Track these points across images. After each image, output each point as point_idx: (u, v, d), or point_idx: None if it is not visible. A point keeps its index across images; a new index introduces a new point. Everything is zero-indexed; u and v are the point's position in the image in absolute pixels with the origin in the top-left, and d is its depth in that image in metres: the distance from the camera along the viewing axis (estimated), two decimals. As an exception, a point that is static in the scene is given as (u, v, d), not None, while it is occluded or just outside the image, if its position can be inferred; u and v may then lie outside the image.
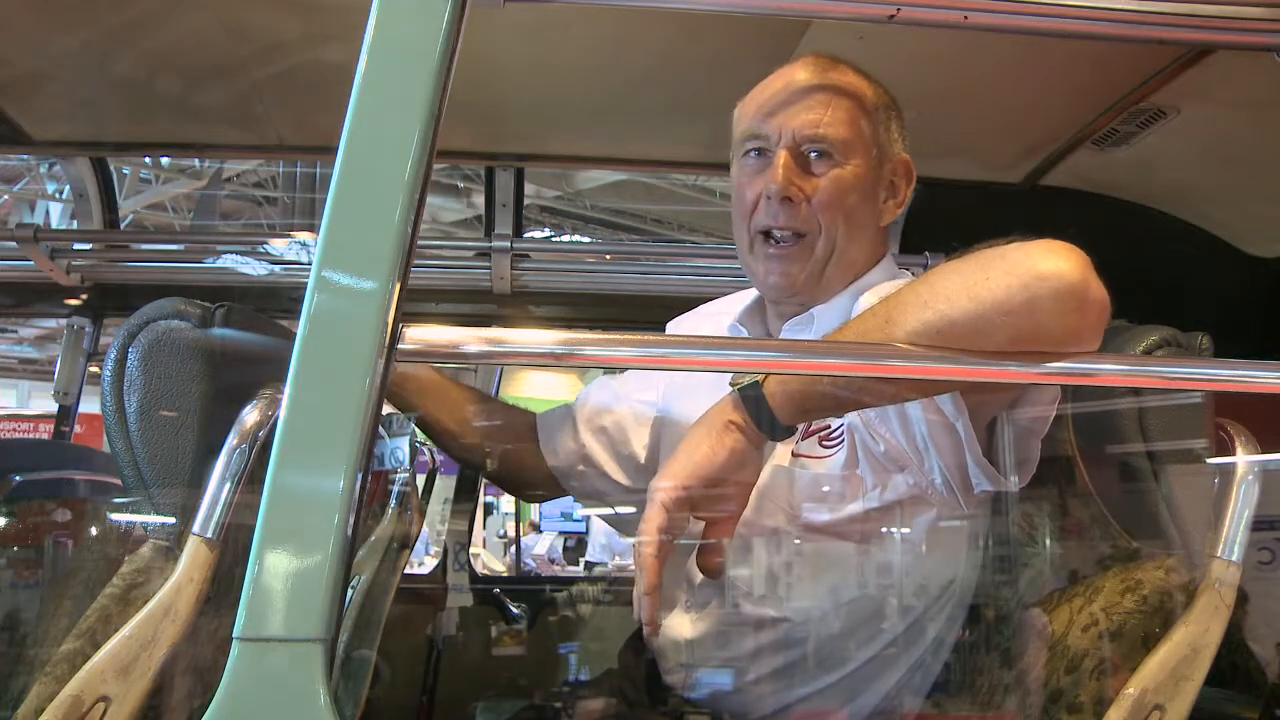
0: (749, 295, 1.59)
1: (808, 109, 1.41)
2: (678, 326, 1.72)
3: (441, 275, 2.51)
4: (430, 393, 1.69)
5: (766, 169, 1.42)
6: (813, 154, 1.41)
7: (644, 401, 1.69)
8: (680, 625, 1.47)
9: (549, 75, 1.99)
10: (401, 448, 1.67)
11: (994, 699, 1.35)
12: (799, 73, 1.44)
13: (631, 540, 1.29)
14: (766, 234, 1.43)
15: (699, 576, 1.46)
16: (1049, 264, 1.06)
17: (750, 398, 1.16)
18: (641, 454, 1.69)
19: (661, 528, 1.16)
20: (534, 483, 1.76)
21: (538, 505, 6.74)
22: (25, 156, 7.13)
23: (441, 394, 1.71)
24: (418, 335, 0.98)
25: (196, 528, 1.03)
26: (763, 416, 1.14)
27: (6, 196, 9.99)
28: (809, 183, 1.40)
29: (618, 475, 1.70)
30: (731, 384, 1.21)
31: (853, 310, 1.45)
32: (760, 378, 1.17)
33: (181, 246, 2.73)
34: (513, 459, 1.75)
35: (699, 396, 1.30)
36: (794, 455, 1.39)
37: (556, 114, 2.19)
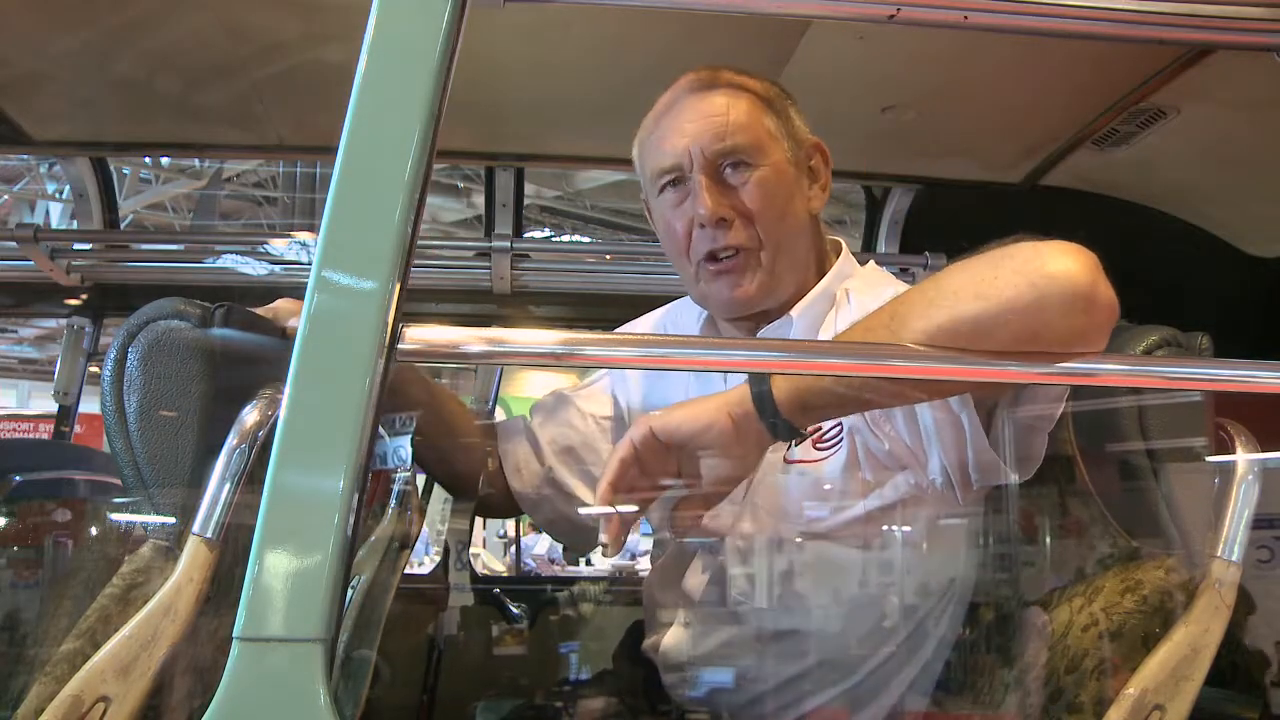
0: (694, 309, 1.55)
1: (709, 124, 1.38)
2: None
3: (441, 275, 2.51)
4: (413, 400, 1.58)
5: (688, 197, 1.39)
6: (728, 167, 1.38)
7: (608, 418, 1.63)
8: (679, 640, 1.45)
9: (549, 75, 1.99)
10: (401, 448, 1.67)
11: (994, 698, 1.35)
12: (686, 93, 1.41)
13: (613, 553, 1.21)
14: (710, 256, 1.40)
15: (697, 591, 1.45)
16: (1058, 264, 1.05)
17: (757, 392, 1.13)
18: None
19: (632, 455, 1.13)
20: (492, 501, 1.65)
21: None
22: (25, 156, 7.13)
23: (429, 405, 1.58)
24: (418, 335, 0.98)
25: (196, 528, 1.02)
26: (766, 412, 1.13)
27: (6, 196, 9.99)
28: (734, 197, 1.38)
29: (588, 498, 1.59)
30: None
31: (832, 305, 1.44)
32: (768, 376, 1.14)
33: (181, 246, 2.73)
34: (476, 474, 1.64)
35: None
36: (786, 461, 1.36)
37: (556, 114, 2.19)
